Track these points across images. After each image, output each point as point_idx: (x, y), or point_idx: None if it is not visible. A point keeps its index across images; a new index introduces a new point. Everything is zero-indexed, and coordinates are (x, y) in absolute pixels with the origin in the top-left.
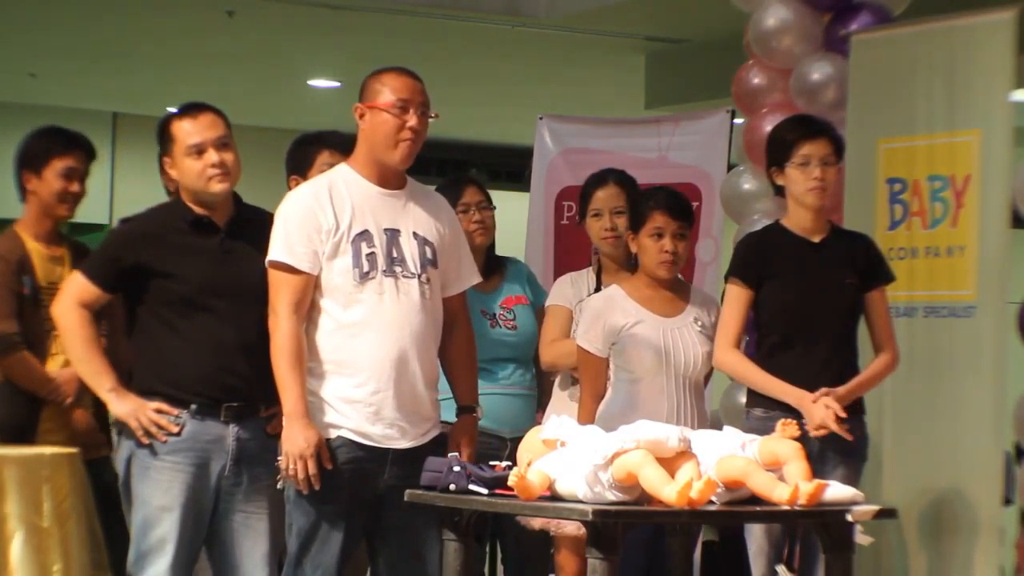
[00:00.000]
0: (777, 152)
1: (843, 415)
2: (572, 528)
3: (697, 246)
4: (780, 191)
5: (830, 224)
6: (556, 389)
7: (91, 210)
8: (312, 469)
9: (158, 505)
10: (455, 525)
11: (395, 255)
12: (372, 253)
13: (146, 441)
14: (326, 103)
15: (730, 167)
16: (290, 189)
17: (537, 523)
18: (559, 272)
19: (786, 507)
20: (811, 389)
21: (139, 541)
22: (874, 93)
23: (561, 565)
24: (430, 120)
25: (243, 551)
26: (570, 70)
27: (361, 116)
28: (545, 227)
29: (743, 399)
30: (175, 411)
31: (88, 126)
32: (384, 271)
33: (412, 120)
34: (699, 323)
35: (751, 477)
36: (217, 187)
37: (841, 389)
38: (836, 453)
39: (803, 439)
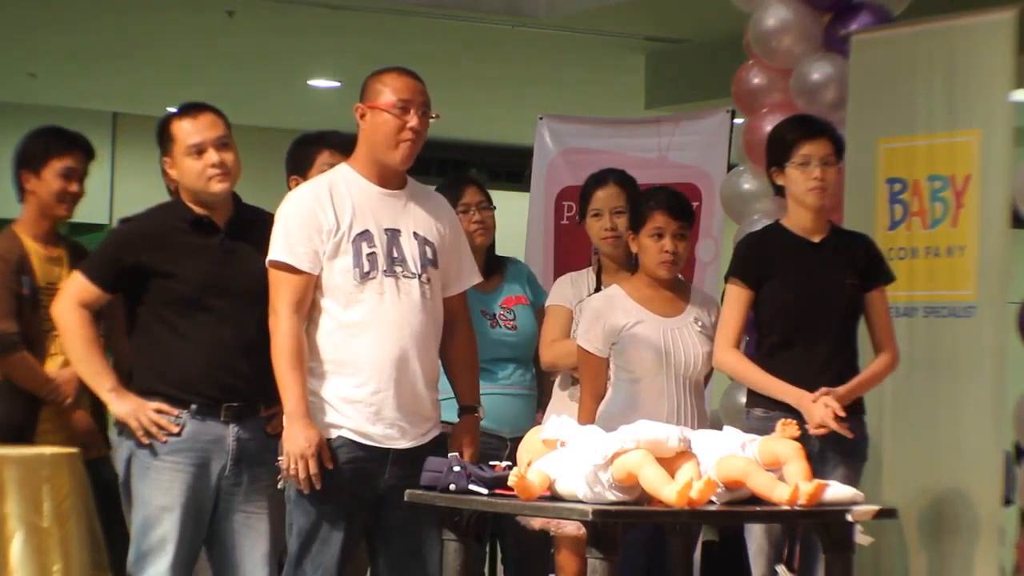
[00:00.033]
0: (777, 152)
1: (842, 414)
2: (572, 528)
3: (697, 246)
4: (780, 191)
5: (830, 224)
6: (556, 389)
7: (91, 210)
8: (313, 469)
9: (158, 505)
10: (455, 525)
11: (396, 255)
12: (373, 253)
13: (146, 441)
14: (326, 103)
15: (730, 167)
16: (290, 189)
17: (537, 523)
18: (559, 272)
19: (786, 507)
20: (811, 389)
21: (139, 541)
22: (874, 93)
23: (561, 565)
24: (430, 120)
25: (243, 551)
26: (570, 70)
27: (362, 116)
28: (545, 227)
29: (743, 399)
30: (175, 411)
31: (88, 126)
32: (385, 271)
33: (413, 120)
34: (699, 323)
35: (751, 477)
36: (217, 187)
37: (841, 389)
38: (836, 453)
39: (803, 439)
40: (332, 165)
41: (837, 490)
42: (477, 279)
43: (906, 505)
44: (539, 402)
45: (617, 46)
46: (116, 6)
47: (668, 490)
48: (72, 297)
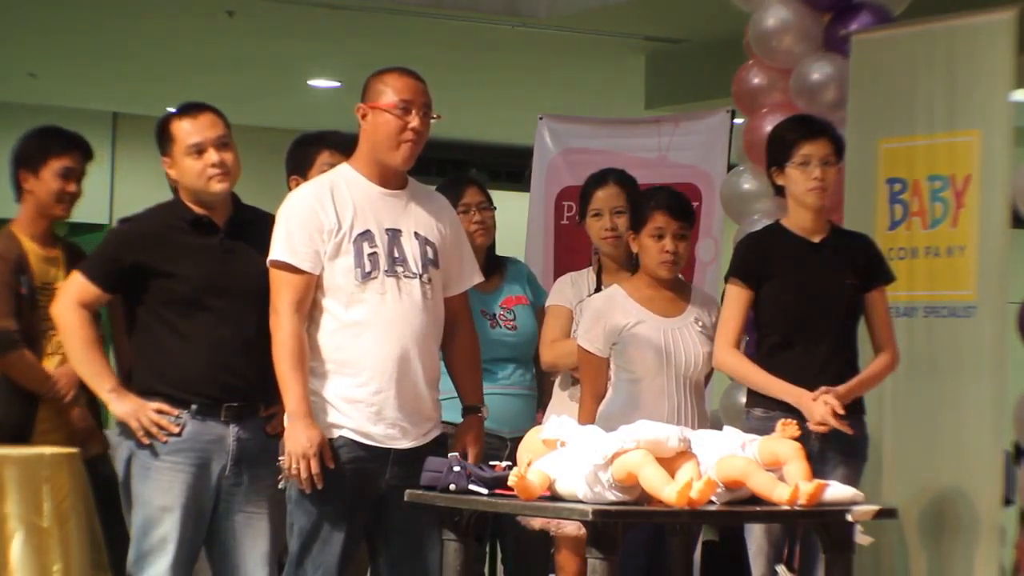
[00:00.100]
0: (777, 152)
1: (842, 412)
2: (572, 528)
3: (697, 246)
4: (780, 191)
5: (830, 224)
6: (556, 389)
7: (91, 210)
8: (315, 468)
9: (159, 505)
10: (455, 525)
11: (397, 255)
12: (374, 253)
13: (147, 442)
14: (326, 103)
15: (730, 167)
16: (290, 189)
17: (537, 523)
18: (559, 272)
19: (786, 507)
20: (811, 389)
21: (139, 541)
22: (874, 93)
23: (561, 565)
24: (432, 121)
25: (243, 551)
26: (570, 70)
27: (363, 116)
28: (545, 227)
29: (743, 399)
30: (175, 411)
31: (88, 126)
32: (386, 271)
33: (414, 121)
34: (700, 323)
35: (751, 477)
36: (217, 187)
37: (841, 388)
38: (836, 453)
39: (803, 439)
40: (332, 165)
41: (837, 490)
42: (478, 279)
43: (906, 505)
44: (539, 402)
45: (617, 46)
46: (116, 6)
47: (668, 490)
48: (72, 297)
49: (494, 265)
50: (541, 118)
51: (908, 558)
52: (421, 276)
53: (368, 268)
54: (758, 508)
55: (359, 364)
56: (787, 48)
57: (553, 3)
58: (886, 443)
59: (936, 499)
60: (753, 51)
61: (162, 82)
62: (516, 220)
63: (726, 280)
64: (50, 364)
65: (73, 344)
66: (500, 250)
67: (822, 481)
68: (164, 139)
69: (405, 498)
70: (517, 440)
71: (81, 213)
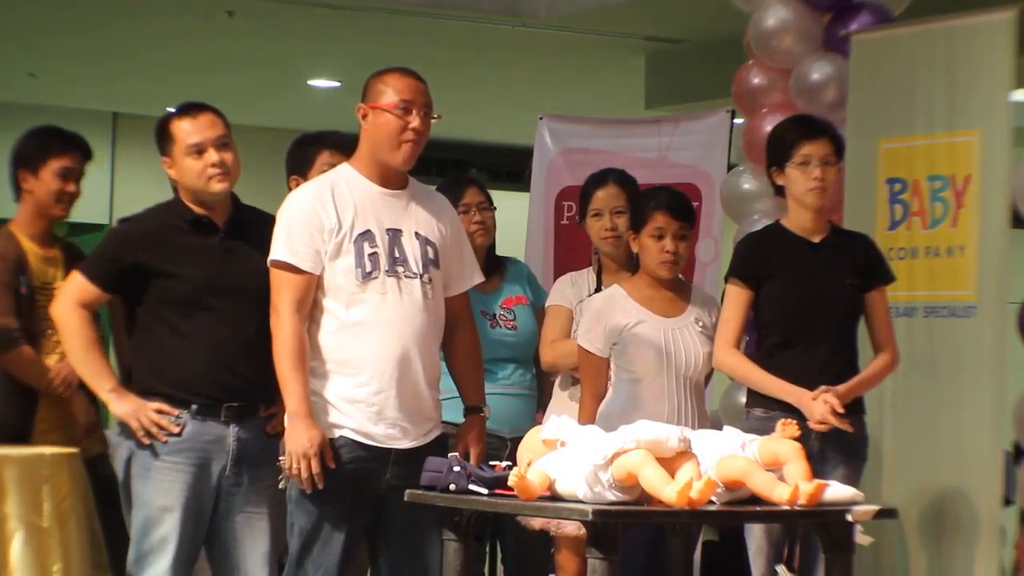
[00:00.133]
0: (777, 152)
1: (841, 410)
2: (572, 528)
3: (697, 246)
4: (780, 191)
5: (830, 224)
6: (556, 389)
7: (91, 210)
8: (315, 468)
9: (159, 505)
10: (455, 525)
11: (397, 255)
12: (374, 253)
13: (147, 442)
14: (326, 103)
15: (730, 167)
16: (290, 189)
17: (537, 523)
18: (559, 272)
19: (786, 507)
20: (811, 389)
21: (140, 541)
22: (874, 93)
23: (561, 565)
24: (432, 121)
25: (243, 551)
26: (570, 70)
27: (364, 116)
28: (545, 227)
29: (743, 399)
30: (175, 411)
31: (88, 126)
32: (387, 271)
33: (415, 121)
34: (700, 323)
35: (751, 477)
36: (217, 187)
37: (841, 388)
38: (836, 453)
39: (803, 439)
40: (332, 165)
41: (837, 490)
42: (479, 279)
43: (906, 505)
44: (539, 402)
45: (617, 46)
46: (116, 6)
47: (668, 490)
48: (71, 297)
49: (494, 265)
50: (541, 118)
51: (908, 558)
52: (422, 276)
53: (369, 268)
54: (758, 508)
55: (360, 364)
56: (787, 48)
57: (553, 3)
58: (886, 443)
59: (936, 499)
60: (753, 51)
61: (162, 82)
62: (516, 220)
63: (726, 280)
64: (49, 363)
65: (73, 344)
66: (500, 250)
67: (822, 481)
68: (164, 139)
69: (405, 498)
70: (517, 440)
71: (81, 213)
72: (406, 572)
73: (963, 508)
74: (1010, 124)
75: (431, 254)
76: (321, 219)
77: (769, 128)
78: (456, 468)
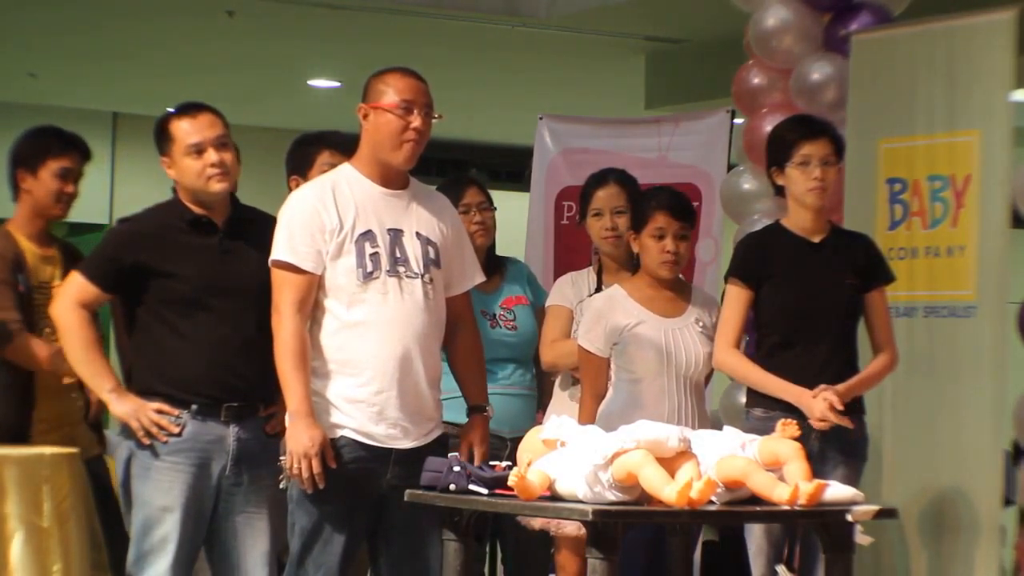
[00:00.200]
0: (777, 152)
1: (840, 407)
2: (572, 528)
3: (697, 246)
4: (780, 191)
5: (830, 224)
6: (556, 389)
7: (91, 210)
8: (316, 468)
9: (159, 506)
10: (455, 525)
11: (398, 255)
12: (376, 253)
13: (147, 442)
14: (326, 103)
15: (730, 167)
16: (290, 189)
17: (537, 523)
18: (559, 272)
19: (786, 507)
20: (811, 389)
21: (140, 541)
22: (874, 93)
23: (561, 565)
24: (433, 120)
25: (243, 551)
26: (570, 70)
27: (365, 116)
28: (545, 227)
29: (743, 399)
30: (176, 411)
31: (88, 126)
32: (388, 271)
33: (416, 121)
34: (700, 323)
35: (751, 477)
36: (217, 186)
37: (840, 387)
38: (836, 453)
39: (803, 439)
40: (332, 165)
41: (837, 490)
42: (480, 279)
43: (906, 505)
44: (539, 402)
45: (617, 46)
46: (116, 6)
47: (668, 490)
48: (71, 297)
49: (494, 265)
50: (541, 118)
51: (908, 558)
52: (423, 276)
53: (370, 268)
54: (758, 508)
55: (361, 364)
56: (787, 48)
57: (553, 3)
58: (886, 443)
59: (936, 499)
60: (753, 51)
61: (162, 82)
62: (516, 220)
63: (726, 280)
64: None
65: (73, 344)
66: (500, 250)
67: (822, 481)
68: (163, 139)
69: (405, 498)
70: (517, 440)
71: (81, 213)
72: (406, 572)
73: (963, 508)
74: (1010, 124)
75: (432, 254)
76: (322, 219)
77: (769, 128)
78: (456, 468)
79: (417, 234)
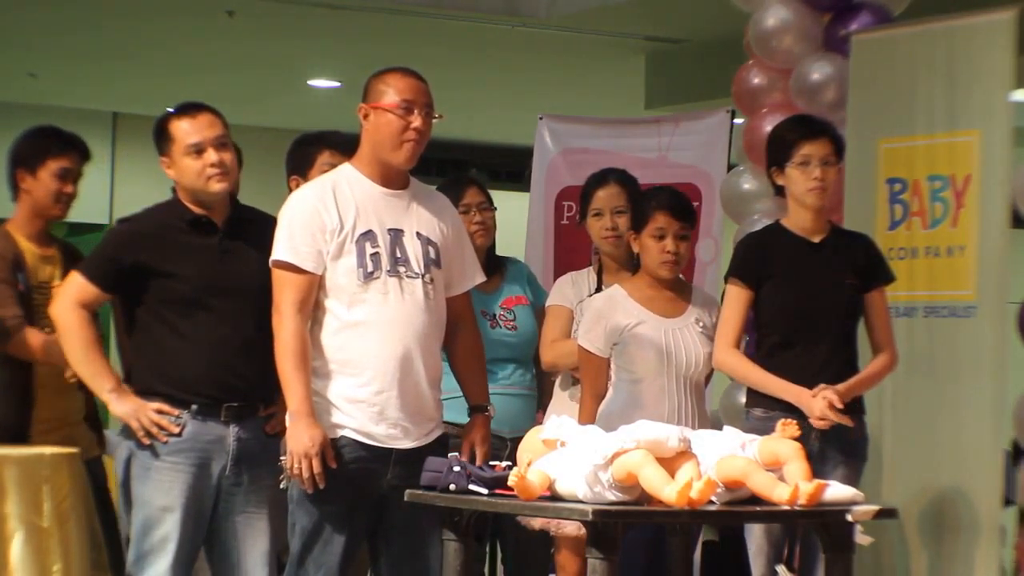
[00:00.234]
0: (777, 152)
1: (840, 406)
2: (572, 528)
3: (697, 246)
4: (780, 191)
5: (830, 224)
6: (556, 389)
7: (91, 210)
8: (317, 468)
9: (159, 506)
10: (455, 525)
11: (399, 255)
12: (376, 253)
13: (147, 442)
14: (326, 103)
15: (730, 167)
16: (290, 189)
17: (537, 523)
18: (559, 272)
19: (786, 507)
20: (810, 389)
21: (140, 541)
22: (874, 93)
23: (561, 565)
24: (433, 120)
25: (243, 551)
26: (570, 70)
27: (365, 116)
28: (545, 227)
29: (743, 399)
30: (175, 411)
31: (88, 126)
32: (388, 271)
33: (416, 121)
34: (700, 324)
35: (751, 477)
36: (217, 186)
37: (840, 387)
38: (836, 453)
39: (803, 439)
40: (332, 165)
41: (837, 490)
42: (480, 279)
43: (906, 505)
44: (539, 402)
45: (617, 46)
46: (116, 7)
47: (668, 490)
48: (71, 297)
49: (494, 265)
50: (541, 118)
51: (908, 558)
52: (423, 276)
53: (370, 268)
54: (758, 508)
55: (361, 364)
56: (787, 48)
57: (553, 3)
58: (886, 443)
59: (936, 499)
60: (753, 51)
61: (162, 82)
62: (516, 220)
63: (726, 280)
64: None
65: (73, 344)
66: (500, 250)
67: (822, 481)
68: (162, 139)
69: (405, 498)
70: (517, 440)
71: (81, 213)
72: (406, 572)
73: (963, 508)
74: (1010, 124)
75: (432, 254)
76: (323, 219)
77: (769, 128)
78: (456, 468)
79: (417, 234)
